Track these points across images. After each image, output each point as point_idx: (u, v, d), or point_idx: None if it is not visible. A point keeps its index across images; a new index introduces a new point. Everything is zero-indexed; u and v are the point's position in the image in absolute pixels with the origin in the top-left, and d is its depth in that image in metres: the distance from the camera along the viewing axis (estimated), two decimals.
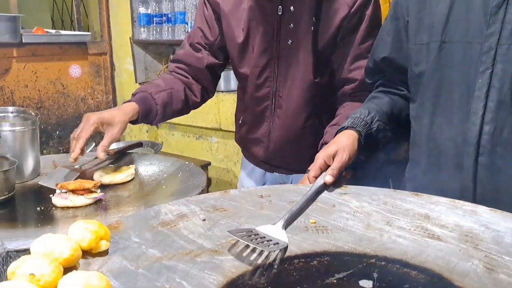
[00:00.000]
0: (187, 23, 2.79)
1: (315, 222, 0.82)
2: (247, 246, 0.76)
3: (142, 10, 2.97)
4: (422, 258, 0.70)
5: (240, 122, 1.52)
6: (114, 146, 1.64)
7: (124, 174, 1.25)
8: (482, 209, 0.80)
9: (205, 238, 0.79)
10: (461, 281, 0.65)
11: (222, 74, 2.51)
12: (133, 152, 1.49)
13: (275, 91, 1.36)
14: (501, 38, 0.89)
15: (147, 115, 1.34)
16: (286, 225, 0.81)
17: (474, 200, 0.91)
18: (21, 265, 0.59)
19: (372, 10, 1.26)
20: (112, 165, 1.33)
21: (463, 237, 0.75)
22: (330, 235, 0.78)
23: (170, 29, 2.88)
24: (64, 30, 1.81)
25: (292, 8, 1.26)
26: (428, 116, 1.03)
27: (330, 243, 0.76)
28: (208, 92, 1.51)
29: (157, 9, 2.95)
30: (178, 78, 1.44)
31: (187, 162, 1.33)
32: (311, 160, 1.20)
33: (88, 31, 2.20)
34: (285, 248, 0.76)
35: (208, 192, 1.11)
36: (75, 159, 1.22)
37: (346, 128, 1.04)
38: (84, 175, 1.27)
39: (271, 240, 0.76)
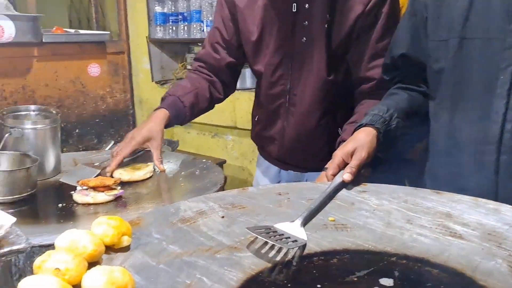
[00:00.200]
0: (202, 22, 2.80)
1: (334, 220, 0.82)
2: (266, 243, 0.76)
3: (158, 9, 2.99)
4: (444, 257, 0.70)
5: (256, 119, 1.52)
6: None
7: (142, 172, 1.27)
8: (506, 208, 0.79)
9: (224, 235, 0.79)
10: (485, 280, 0.64)
11: None
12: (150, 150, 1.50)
13: (289, 89, 1.36)
14: None
15: (177, 118, 1.40)
16: (304, 223, 0.81)
17: (496, 198, 0.89)
18: (47, 259, 0.60)
19: (389, 8, 1.25)
20: (132, 163, 1.35)
21: (486, 236, 0.74)
22: (350, 233, 0.78)
23: (186, 27, 2.90)
24: (81, 29, 1.84)
25: (306, 5, 1.26)
26: (447, 114, 1.01)
27: (349, 241, 0.75)
28: (229, 88, 1.54)
29: (173, 8, 2.98)
30: (202, 77, 1.48)
31: (204, 160, 1.35)
32: (326, 158, 1.20)
33: (105, 31, 2.23)
34: (304, 246, 0.76)
35: (223, 189, 1.12)
36: (111, 173, 1.28)
37: (365, 125, 1.03)
38: (104, 172, 1.29)
39: (289, 238, 0.76)
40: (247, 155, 2.62)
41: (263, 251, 0.75)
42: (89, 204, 1.11)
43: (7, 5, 1.46)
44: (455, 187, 0.90)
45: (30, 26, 1.43)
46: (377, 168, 1.08)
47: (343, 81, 1.33)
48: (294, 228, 0.79)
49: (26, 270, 0.93)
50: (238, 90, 2.52)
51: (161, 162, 1.34)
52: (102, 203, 1.11)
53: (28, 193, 1.13)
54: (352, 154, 0.96)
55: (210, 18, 2.72)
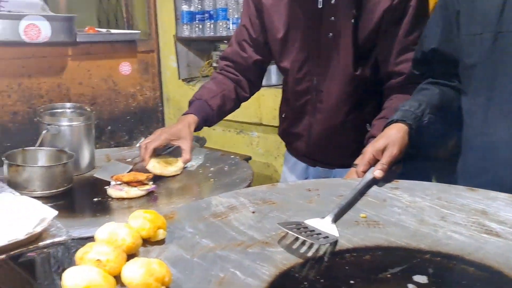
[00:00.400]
0: (228, 19, 2.82)
1: (366, 217, 0.82)
2: (297, 239, 0.77)
3: (185, 7, 3.02)
4: (480, 255, 0.69)
5: (283, 116, 1.53)
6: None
7: (173, 168, 1.29)
8: None
9: (255, 230, 0.80)
10: None
11: None
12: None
13: (315, 85, 1.35)
14: None
15: (205, 121, 1.43)
16: (335, 219, 0.81)
17: None
18: (88, 251, 0.63)
19: (417, 1, 1.23)
20: (164, 156, 1.38)
21: None
22: (382, 230, 0.77)
23: (212, 25, 2.92)
24: (109, 29, 1.89)
25: (333, 1, 1.25)
26: (481, 110, 0.99)
27: (382, 237, 0.75)
28: (255, 86, 1.56)
29: (199, 6, 3.00)
30: (228, 77, 1.50)
31: (232, 156, 1.36)
32: (354, 154, 1.19)
33: (133, 29, 2.27)
34: (335, 242, 0.76)
35: (251, 186, 1.13)
36: (147, 165, 1.31)
37: (396, 121, 1.02)
38: (136, 168, 1.33)
39: (320, 234, 0.77)
40: (272, 151, 2.62)
41: (294, 246, 0.75)
42: (123, 199, 1.14)
43: (43, 6, 1.52)
44: (490, 184, 0.88)
45: (65, 26, 1.48)
46: (408, 165, 1.06)
47: (370, 76, 1.32)
48: (324, 225, 0.80)
49: (64, 262, 0.97)
50: (263, 86, 2.52)
51: (186, 162, 1.35)
52: (135, 198, 1.14)
53: (65, 187, 1.18)
54: (383, 151, 0.96)
55: (236, 16, 2.73)
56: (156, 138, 1.34)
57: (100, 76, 1.67)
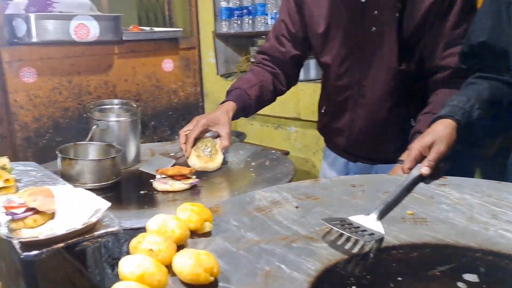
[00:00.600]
0: (267, 15, 2.82)
1: (413, 214, 0.81)
2: (341, 235, 0.77)
3: (223, 4, 3.05)
4: None
5: (322, 111, 1.52)
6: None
7: (214, 164, 1.31)
8: None
9: (299, 225, 0.81)
10: None
11: None
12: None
13: (357, 80, 1.33)
14: None
15: (243, 110, 1.43)
16: (381, 216, 0.80)
17: None
18: (141, 241, 0.66)
19: None
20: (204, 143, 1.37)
21: None
22: (430, 227, 0.76)
23: (250, 21, 2.93)
24: (149, 27, 1.95)
25: None
26: None
27: (430, 235, 0.74)
28: (292, 80, 1.55)
29: (237, 2, 3.02)
30: (266, 69, 1.50)
31: (273, 151, 1.37)
32: (397, 150, 1.17)
33: (172, 27, 2.32)
34: (381, 239, 0.75)
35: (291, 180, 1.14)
36: (188, 157, 1.33)
37: (443, 117, 0.99)
38: (179, 162, 1.36)
39: (365, 231, 0.76)
40: (311, 146, 2.61)
41: (339, 242, 0.75)
42: (168, 192, 1.17)
43: (91, 7, 1.58)
44: None
45: (112, 26, 1.53)
46: (455, 162, 1.03)
47: (415, 71, 1.29)
48: (369, 221, 0.79)
49: (114, 251, 1.01)
50: (302, 81, 2.53)
51: (225, 149, 1.34)
52: (179, 191, 1.17)
53: (113, 180, 1.22)
54: (430, 147, 0.93)
55: (274, 11, 2.73)
56: (195, 127, 1.34)
57: (144, 73, 1.72)
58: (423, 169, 0.90)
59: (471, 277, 0.63)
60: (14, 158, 1.35)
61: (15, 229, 0.74)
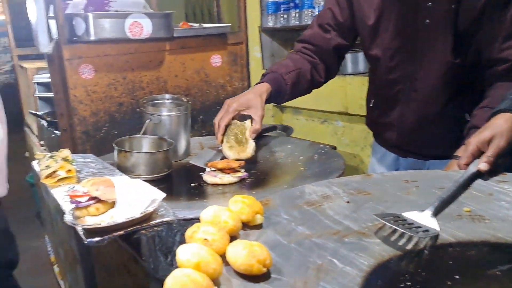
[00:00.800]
0: (314, 8, 2.80)
1: (470, 211, 0.78)
2: (394, 231, 0.75)
3: None
4: None
5: (371, 105, 1.48)
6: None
7: (247, 153, 1.29)
8: None
9: (350, 220, 0.80)
10: None
11: (349, 56, 2.50)
12: (268, 135, 1.57)
13: (409, 74, 1.30)
14: None
15: (277, 94, 1.39)
16: (436, 213, 0.78)
17: None
18: (196, 230, 0.68)
19: None
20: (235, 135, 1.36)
21: None
22: (488, 225, 0.73)
23: (297, 15, 2.92)
24: (196, 23, 1.98)
25: None
26: None
27: (488, 233, 0.71)
28: (332, 72, 1.51)
29: None
30: (305, 58, 1.46)
31: (322, 145, 1.36)
32: (451, 145, 1.12)
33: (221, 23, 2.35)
34: (436, 236, 0.73)
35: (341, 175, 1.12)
36: (221, 142, 1.34)
37: (503, 111, 0.95)
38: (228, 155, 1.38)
39: (420, 227, 0.75)
40: (359, 141, 2.57)
41: (392, 238, 0.74)
42: (217, 184, 1.20)
43: (145, 5, 1.64)
44: None
45: (164, 23, 1.58)
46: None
47: (471, 64, 1.23)
48: (424, 218, 0.77)
49: (168, 241, 1.05)
50: (350, 74, 2.49)
51: (256, 133, 1.31)
52: (228, 184, 1.19)
53: (165, 173, 1.27)
54: (489, 142, 0.89)
55: (322, 3, 2.70)
56: (225, 113, 1.33)
57: (193, 68, 1.76)
58: (481, 165, 0.86)
59: None
60: (73, 150, 1.43)
61: (79, 217, 0.79)
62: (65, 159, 1.13)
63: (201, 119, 1.80)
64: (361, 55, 2.44)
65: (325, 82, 1.51)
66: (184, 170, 1.36)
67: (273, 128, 1.67)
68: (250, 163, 1.30)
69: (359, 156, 2.58)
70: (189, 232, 0.69)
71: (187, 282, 0.54)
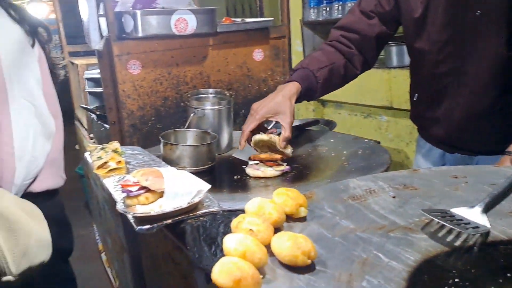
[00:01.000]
0: None
1: None
2: (442, 227, 0.74)
3: None
4: None
5: (415, 99, 1.44)
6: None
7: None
8: None
9: (396, 215, 0.79)
10: None
11: (395, 49, 2.43)
12: (310, 129, 1.56)
13: (458, 68, 1.25)
14: None
15: (307, 93, 1.35)
16: (486, 209, 0.76)
17: None
18: (242, 221, 0.69)
19: None
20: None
21: None
22: None
23: (340, 7, 2.88)
24: (237, 18, 1.99)
25: None
26: None
27: None
28: (368, 63, 1.45)
29: None
30: (340, 50, 1.41)
31: (366, 140, 1.34)
32: (501, 141, 1.08)
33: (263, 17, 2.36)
34: (487, 233, 0.71)
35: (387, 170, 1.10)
36: (242, 148, 1.31)
37: None
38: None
39: (469, 223, 0.72)
40: (404, 137, 2.50)
41: (439, 234, 0.73)
42: (260, 178, 1.21)
43: (190, 1, 1.67)
44: None
45: (208, 19, 1.61)
46: None
47: None
48: (474, 214, 0.75)
49: (212, 232, 1.08)
50: (395, 68, 2.43)
51: (286, 142, 1.24)
52: (270, 177, 1.20)
53: (209, 165, 1.29)
54: None
55: None
56: (251, 120, 1.27)
57: (235, 63, 1.78)
58: None
59: None
60: (121, 143, 1.48)
61: (130, 205, 0.83)
62: (115, 151, 1.18)
63: (243, 113, 1.82)
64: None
65: (360, 73, 1.45)
66: (227, 163, 1.39)
67: (315, 122, 1.66)
68: (292, 157, 1.30)
69: (404, 152, 2.51)
70: (234, 223, 0.70)
71: (234, 269, 0.55)
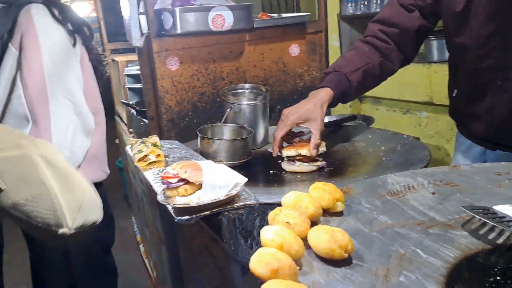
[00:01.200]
0: None
1: None
2: (484, 224, 0.72)
3: None
4: None
5: (454, 95, 1.39)
6: (326, 119, 1.73)
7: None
8: None
9: (436, 211, 0.78)
10: None
11: (435, 43, 2.36)
12: (347, 125, 1.55)
13: (502, 62, 1.19)
14: None
15: (340, 97, 1.33)
16: None
17: None
18: (278, 213, 0.70)
19: None
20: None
21: None
22: None
23: (378, 1, 2.82)
24: (273, 13, 1.99)
25: None
26: None
27: None
28: (407, 58, 1.40)
29: None
30: (376, 47, 1.37)
31: (405, 136, 1.31)
32: None
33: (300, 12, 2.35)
34: None
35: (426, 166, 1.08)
36: (276, 155, 1.29)
37: None
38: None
39: None
40: (444, 133, 2.43)
41: (481, 232, 0.71)
42: (295, 172, 1.22)
43: None
44: None
45: (245, 14, 1.62)
46: None
47: None
48: None
49: (248, 225, 1.10)
50: (436, 62, 2.36)
51: (317, 148, 1.22)
52: (307, 172, 1.21)
53: (245, 159, 1.31)
54: None
55: None
56: (282, 126, 1.27)
57: (271, 58, 1.79)
58: None
59: None
60: (160, 137, 1.52)
61: (170, 197, 0.86)
62: (154, 145, 1.22)
63: (278, 109, 1.82)
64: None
65: (398, 69, 1.41)
66: (262, 158, 1.40)
67: (352, 117, 1.65)
68: (328, 153, 1.30)
69: (444, 149, 2.44)
70: (271, 215, 0.71)
71: (272, 260, 0.56)
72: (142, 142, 1.25)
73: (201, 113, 1.71)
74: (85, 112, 1.34)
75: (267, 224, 0.71)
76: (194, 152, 1.28)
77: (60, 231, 0.86)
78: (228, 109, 1.43)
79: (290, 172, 1.22)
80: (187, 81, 1.67)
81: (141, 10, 1.63)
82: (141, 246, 2.97)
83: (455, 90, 1.38)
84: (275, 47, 1.79)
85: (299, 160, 1.23)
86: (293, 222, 0.68)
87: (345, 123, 1.56)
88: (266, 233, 0.63)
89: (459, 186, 0.83)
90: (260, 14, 1.89)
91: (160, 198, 0.86)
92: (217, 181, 0.84)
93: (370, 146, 1.33)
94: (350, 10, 3.01)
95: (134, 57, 2.62)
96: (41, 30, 1.23)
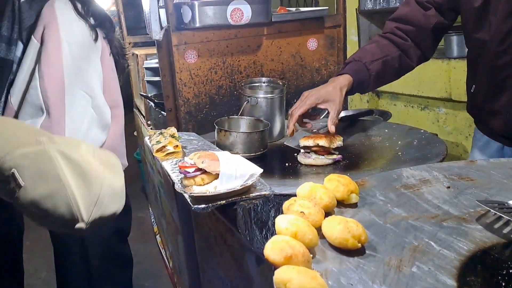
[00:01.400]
0: None
1: None
2: (499, 218, 0.72)
3: None
4: None
5: (472, 91, 1.38)
6: (343, 113, 1.73)
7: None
8: None
9: (450, 205, 0.78)
10: None
11: (455, 38, 2.32)
12: (364, 119, 1.54)
13: None
14: None
15: (359, 86, 1.34)
16: None
17: None
18: (293, 203, 0.72)
19: None
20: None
21: None
22: None
23: None
24: (289, 6, 1.99)
25: None
26: None
27: None
28: (425, 55, 1.40)
29: None
30: (395, 42, 1.37)
31: (422, 131, 1.31)
32: None
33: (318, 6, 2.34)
34: None
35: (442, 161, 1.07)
36: (291, 134, 1.33)
37: None
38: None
39: None
40: (463, 130, 2.40)
41: (496, 226, 0.71)
42: (311, 165, 1.23)
43: None
44: None
45: (263, 8, 1.63)
46: None
47: None
48: None
49: (263, 215, 1.11)
50: (455, 58, 2.33)
51: (335, 124, 1.27)
52: (322, 165, 1.21)
53: (261, 152, 1.33)
54: None
55: None
56: (302, 104, 1.30)
57: (289, 52, 1.79)
58: None
59: None
60: (177, 129, 1.55)
61: (187, 186, 0.88)
62: (172, 136, 1.24)
63: (295, 102, 1.83)
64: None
65: (416, 66, 1.42)
66: (278, 151, 1.41)
67: (369, 112, 1.64)
68: (344, 146, 1.30)
69: (463, 145, 2.41)
70: (286, 205, 0.73)
71: (286, 247, 0.58)
72: (161, 133, 1.27)
73: (218, 106, 1.73)
74: (103, 106, 1.36)
75: (282, 214, 0.73)
76: (211, 144, 1.30)
77: (77, 226, 0.88)
78: (245, 102, 1.45)
79: (306, 165, 1.23)
80: (205, 74, 1.69)
81: (161, 4, 1.66)
82: (158, 236, 3.02)
83: (474, 86, 1.37)
84: (293, 41, 1.79)
85: (315, 152, 1.24)
86: (308, 212, 0.70)
87: (362, 118, 1.56)
88: (280, 222, 0.65)
89: (474, 181, 0.83)
90: (278, 8, 1.89)
91: (177, 187, 0.88)
92: (234, 171, 0.86)
93: (387, 141, 1.33)
94: (369, 4, 2.98)
95: (153, 50, 2.65)
96: (63, 24, 1.26)
